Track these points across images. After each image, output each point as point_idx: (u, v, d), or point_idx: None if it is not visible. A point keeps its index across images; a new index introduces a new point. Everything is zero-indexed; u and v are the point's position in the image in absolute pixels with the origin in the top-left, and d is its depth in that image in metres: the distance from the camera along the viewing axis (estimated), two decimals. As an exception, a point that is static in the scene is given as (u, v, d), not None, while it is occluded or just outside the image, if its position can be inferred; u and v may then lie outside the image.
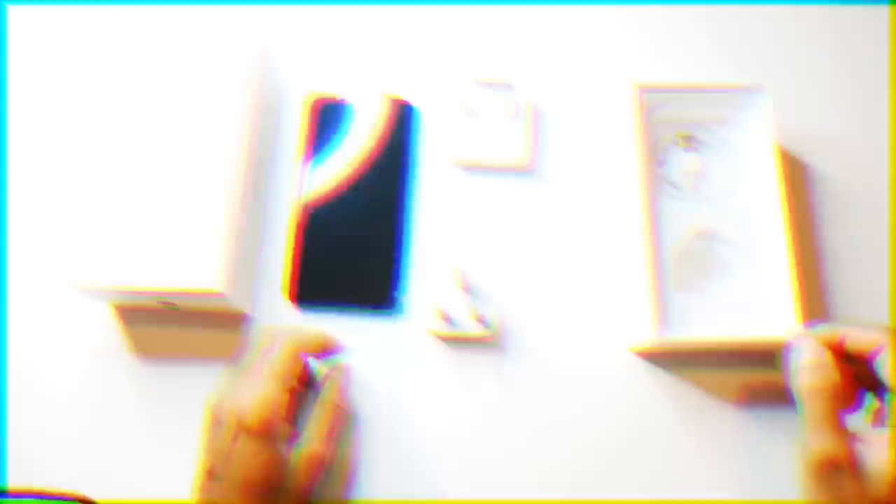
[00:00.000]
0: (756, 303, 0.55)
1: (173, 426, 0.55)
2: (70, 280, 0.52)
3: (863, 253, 0.59)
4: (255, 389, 0.45)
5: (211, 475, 0.44)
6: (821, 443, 0.42)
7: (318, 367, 0.52)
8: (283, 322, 0.57)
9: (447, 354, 0.57)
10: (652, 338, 0.52)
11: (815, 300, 0.58)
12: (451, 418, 0.55)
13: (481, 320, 0.56)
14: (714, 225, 0.57)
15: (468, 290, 0.57)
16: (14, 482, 0.47)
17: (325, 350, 0.51)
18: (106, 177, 0.54)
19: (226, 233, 0.53)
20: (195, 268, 0.52)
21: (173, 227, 0.53)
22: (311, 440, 0.47)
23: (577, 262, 0.59)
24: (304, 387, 0.49)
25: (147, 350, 0.57)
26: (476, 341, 0.57)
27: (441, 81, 0.63)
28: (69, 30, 0.65)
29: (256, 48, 0.57)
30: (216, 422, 0.45)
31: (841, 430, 0.42)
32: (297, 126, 0.62)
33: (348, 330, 0.57)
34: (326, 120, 0.62)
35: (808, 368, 0.44)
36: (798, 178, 0.61)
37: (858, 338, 0.45)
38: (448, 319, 0.56)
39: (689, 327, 0.54)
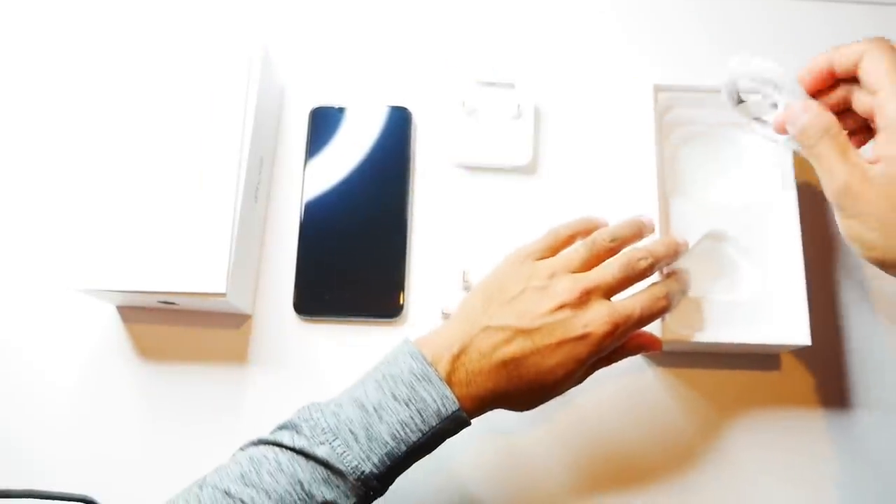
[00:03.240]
0: (767, 305, 0.54)
1: (175, 425, 0.55)
2: (72, 281, 0.52)
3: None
4: (649, 299, 0.46)
5: (524, 333, 0.43)
6: (836, 177, 0.41)
7: None
8: (284, 325, 0.58)
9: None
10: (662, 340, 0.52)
11: (827, 301, 0.58)
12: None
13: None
14: (726, 227, 0.56)
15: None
16: (14, 482, 0.47)
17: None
18: (109, 178, 0.54)
19: (228, 234, 0.53)
20: (197, 269, 0.52)
21: (175, 229, 0.53)
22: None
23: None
24: None
25: (149, 350, 0.57)
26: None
27: (442, 82, 0.63)
28: (74, 32, 0.65)
29: (259, 49, 0.57)
30: (581, 303, 0.44)
31: (846, 158, 0.41)
32: (299, 127, 0.62)
33: (350, 334, 0.57)
34: (328, 122, 0.62)
35: (802, 130, 0.43)
36: (811, 178, 0.60)
37: (842, 54, 0.43)
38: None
39: (699, 330, 0.53)
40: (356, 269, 0.58)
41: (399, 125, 0.61)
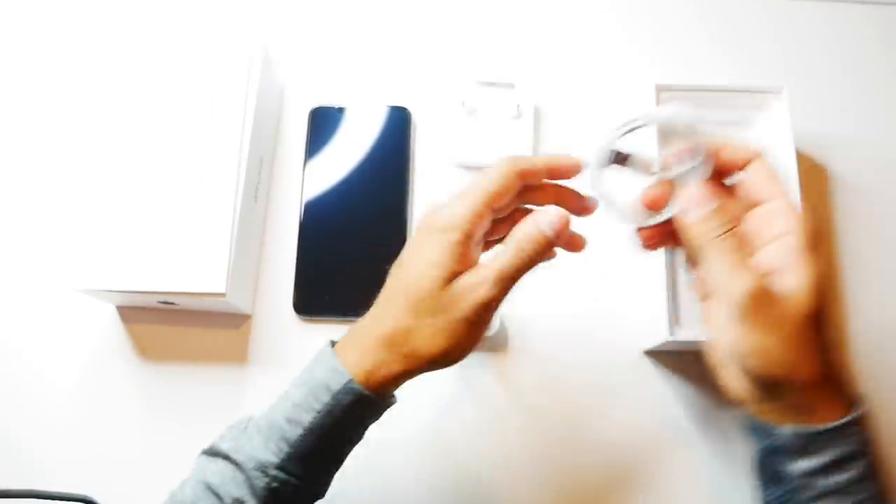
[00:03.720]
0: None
1: (174, 425, 0.55)
2: (72, 281, 0.52)
3: (882, 254, 0.59)
4: (459, 199, 0.41)
5: (398, 263, 0.42)
6: (742, 283, 0.38)
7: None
8: (284, 325, 0.58)
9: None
10: (665, 339, 0.52)
11: (834, 302, 0.57)
12: (458, 425, 0.55)
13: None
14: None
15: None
16: (14, 482, 0.47)
17: (555, 175, 0.44)
18: (109, 178, 0.54)
19: (228, 234, 0.53)
20: (197, 269, 0.52)
21: (175, 229, 0.53)
22: (489, 279, 0.40)
23: (583, 263, 0.58)
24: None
25: (149, 350, 0.57)
26: (482, 344, 0.56)
27: (442, 82, 0.63)
28: (74, 33, 0.65)
29: (259, 49, 0.57)
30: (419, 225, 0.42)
31: (750, 263, 0.39)
32: (299, 127, 0.62)
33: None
34: (328, 122, 0.62)
35: (702, 220, 0.40)
36: (816, 179, 0.60)
37: (733, 151, 0.41)
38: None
39: (701, 329, 0.53)
40: (356, 269, 0.58)
41: (399, 125, 0.61)
